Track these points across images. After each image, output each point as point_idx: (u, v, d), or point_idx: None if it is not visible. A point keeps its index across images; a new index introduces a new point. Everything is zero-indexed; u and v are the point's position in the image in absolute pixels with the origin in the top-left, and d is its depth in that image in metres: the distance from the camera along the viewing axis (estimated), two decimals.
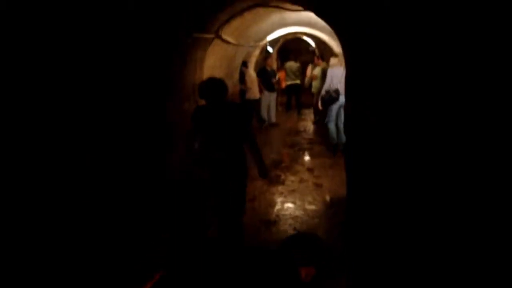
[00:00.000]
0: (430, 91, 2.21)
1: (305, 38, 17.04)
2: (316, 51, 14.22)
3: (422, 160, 2.34)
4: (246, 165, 4.03)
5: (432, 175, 2.22)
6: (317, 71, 10.55)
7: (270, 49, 13.76)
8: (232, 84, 9.10)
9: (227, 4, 4.64)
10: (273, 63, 12.89)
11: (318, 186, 6.42)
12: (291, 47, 18.89)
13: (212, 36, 5.31)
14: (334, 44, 9.57)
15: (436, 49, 2.08)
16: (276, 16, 7.10)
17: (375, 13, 2.96)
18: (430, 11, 2.07)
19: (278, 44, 17.03)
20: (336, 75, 7.93)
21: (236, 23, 5.97)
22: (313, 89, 10.93)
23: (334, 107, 8.00)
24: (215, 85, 3.75)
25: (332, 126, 8.19)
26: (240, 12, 5.50)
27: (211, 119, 3.81)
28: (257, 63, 12.35)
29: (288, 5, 5.54)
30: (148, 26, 3.46)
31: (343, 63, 8.18)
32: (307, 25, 9.38)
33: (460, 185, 1.94)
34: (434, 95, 2.16)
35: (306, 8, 5.22)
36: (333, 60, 8.37)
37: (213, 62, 6.55)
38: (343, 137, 7.45)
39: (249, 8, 5.45)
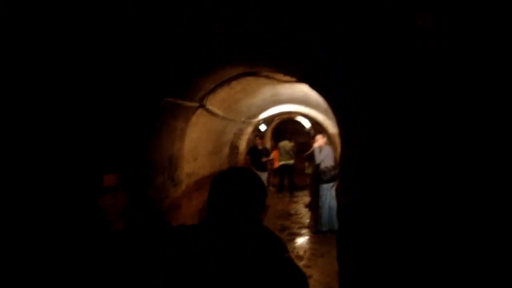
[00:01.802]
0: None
1: (300, 119, 16.87)
2: (312, 131, 13.88)
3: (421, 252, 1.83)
4: None
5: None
6: None
7: (263, 127, 13.43)
8: (220, 160, 8.56)
9: (211, 69, 4.17)
10: (265, 142, 12.66)
11: (307, 277, 5.64)
12: (288, 127, 18.79)
13: (195, 104, 4.81)
14: (329, 124, 9.20)
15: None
16: (268, 90, 6.70)
17: (377, 88, 2.49)
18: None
19: (273, 124, 16.83)
20: (328, 153, 7.92)
21: (223, 93, 5.52)
22: (307, 170, 10.47)
23: (326, 187, 7.64)
24: (238, 179, 1.64)
25: (325, 209, 7.77)
26: (228, 81, 5.06)
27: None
28: (249, 141, 11.98)
29: (280, 76, 5.11)
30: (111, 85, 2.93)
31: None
32: (302, 103, 9.04)
33: None
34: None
35: (300, 79, 4.78)
36: (324, 139, 8.34)
37: (198, 135, 6.03)
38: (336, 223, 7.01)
39: (238, 77, 5.01)
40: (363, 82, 2.79)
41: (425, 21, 1.66)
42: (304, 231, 8.49)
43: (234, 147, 10.04)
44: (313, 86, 4.51)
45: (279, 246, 1.47)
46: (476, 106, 1.46)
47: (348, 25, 2.43)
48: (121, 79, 2.89)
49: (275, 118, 14.94)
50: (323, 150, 7.99)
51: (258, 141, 11.47)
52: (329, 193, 7.70)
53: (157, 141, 4.07)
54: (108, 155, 2.99)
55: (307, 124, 16.95)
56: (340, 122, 4.44)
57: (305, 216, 9.85)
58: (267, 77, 5.19)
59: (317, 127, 12.72)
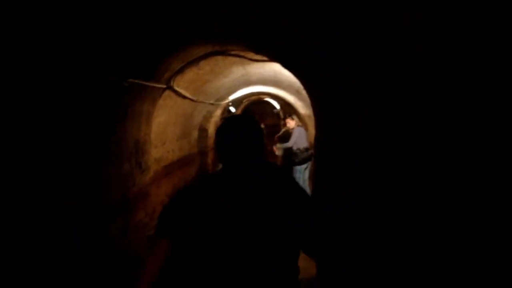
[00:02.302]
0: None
1: (270, 100, 16.67)
2: (281, 113, 13.73)
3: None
4: None
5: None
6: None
7: (232, 109, 13.16)
8: (189, 144, 8.29)
9: (177, 49, 3.89)
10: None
11: None
12: (256, 110, 18.57)
13: (162, 86, 4.52)
14: (300, 105, 9.02)
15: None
16: (238, 70, 6.44)
17: (357, 65, 2.28)
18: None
19: (242, 106, 16.58)
20: (301, 134, 7.70)
21: (191, 74, 5.24)
22: (277, 152, 10.29)
23: (299, 169, 7.47)
24: (250, 126, 1.77)
25: None
26: (196, 61, 4.77)
27: (227, 221, 1.59)
28: (217, 124, 11.71)
29: (251, 54, 4.85)
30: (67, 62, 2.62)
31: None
32: (272, 84, 8.82)
33: None
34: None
35: (272, 58, 4.54)
36: (295, 120, 8.14)
37: (166, 119, 5.73)
38: None
39: (206, 56, 4.73)
40: (343, 58, 2.58)
41: (412, 20, 1.60)
42: None
43: (203, 130, 9.76)
44: (286, 66, 4.29)
45: (288, 175, 1.92)
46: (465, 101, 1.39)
47: None
48: (69, 57, 2.59)
49: (244, 100, 14.68)
50: (295, 132, 7.77)
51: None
52: (301, 175, 7.54)
53: (122, 126, 3.78)
54: (58, 148, 2.69)
55: (276, 105, 16.78)
56: (315, 105, 4.25)
57: None
58: (237, 56, 4.93)
59: (288, 108, 12.56)
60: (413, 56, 1.62)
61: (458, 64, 1.37)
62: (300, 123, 8.31)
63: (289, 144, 7.71)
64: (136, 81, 3.41)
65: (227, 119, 1.84)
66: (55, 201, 2.58)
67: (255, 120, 1.83)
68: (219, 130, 1.77)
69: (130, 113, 3.94)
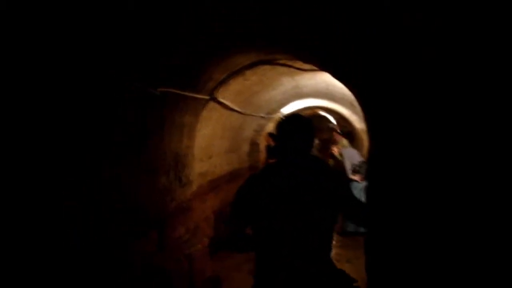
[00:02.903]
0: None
1: (325, 114, 16.30)
2: (337, 127, 13.29)
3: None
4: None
5: None
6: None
7: None
8: (239, 158, 8.07)
9: (218, 55, 3.67)
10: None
11: None
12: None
13: (204, 97, 4.32)
14: (355, 119, 8.64)
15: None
16: (288, 82, 6.18)
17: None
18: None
19: None
20: (350, 153, 7.68)
21: (237, 85, 5.02)
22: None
23: (358, 187, 7.06)
24: (301, 124, 2.22)
25: None
26: (241, 71, 4.55)
27: (283, 191, 2.12)
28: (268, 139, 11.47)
29: (300, 64, 4.57)
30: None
31: None
32: (325, 97, 8.50)
33: None
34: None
35: (321, 67, 4.24)
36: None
37: (212, 132, 5.54)
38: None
39: (252, 66, 4.50)
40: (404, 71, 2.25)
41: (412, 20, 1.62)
42: None
43: (254, 145, 9.51)
44: (336, 76, 3.97)
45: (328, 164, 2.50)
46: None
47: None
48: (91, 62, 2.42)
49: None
50: (345, 153, 7.60)
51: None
52: (357, 192, 7.13)
53: (157, 138, 3.60)
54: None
55: (332, 119, 16.40)
56: (367, 115, 3.90)
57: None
58: (285, 65, 4.67)
59: (343, 122, 12.15)
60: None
61: (458, 64, 1.37)
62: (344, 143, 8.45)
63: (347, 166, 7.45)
64: (170, 90, 3.20)
65: (288, 117, 2.29)
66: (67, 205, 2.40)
67: (309, 121, 2.27)
68: (283, 123, 2.24)
69: (168, 125, 3.76)
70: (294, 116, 2.29)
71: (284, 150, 2.19)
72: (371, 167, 3.86)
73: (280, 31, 3.07)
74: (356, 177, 7.22)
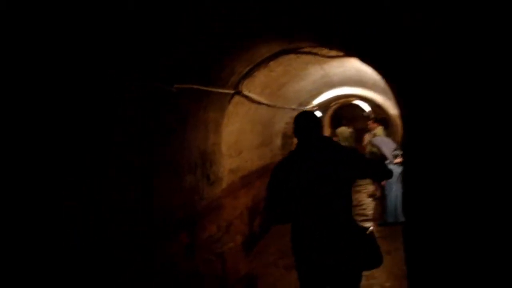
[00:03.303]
0: None
1: (359, 103, 15.96)
2: (372, 115, 12.94)
3: None
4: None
5: None
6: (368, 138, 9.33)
7: (318, 114, 12.67)
8: (271, 152, 7.94)
9: (241, 47, 3.54)
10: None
11: (369, 278, 4.93)
12: (345, 113, 17.95)
13: (228, 91, 4.20)
14: (390, 106, 8.34)
15: None
16: (316, 71, 5.99)
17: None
18: None
19: (330, 110, 16.02)
20: (385, 142, 7.43)
21: (262, 77, 4.88)
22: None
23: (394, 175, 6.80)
24: (306, 117, 2.91)
25: (391, 199, 7.08)
26: (265, 62, 4.40)
27: (301, 170, 2.73)
28: None
29: (325, 51, 4.39)
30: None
31: None
32: (356, 85, 8.25)
33: None
34: None
35: (347, 52, 4.05)
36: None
37: (240, 127, 5.42)
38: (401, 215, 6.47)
39: (275, 56, 4.34)
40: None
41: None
42: (368, 224, 7.69)
43: (287, 137, 9.33)
44: (364, 59, 3.77)
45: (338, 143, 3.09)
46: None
47: None
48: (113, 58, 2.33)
49: (331, 104, 14.11)
50: (379, 142, 7.42)
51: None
52: (395, 180, 6.89)
53: (181, 135, 3.50)
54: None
55: (366, 107, 16.04)
56: (401, 104, 3.68)
57: (369, 207, 9.04)
58: (310, 53, 4.49)
59: (378, 110, 11.85)
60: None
61: (458, 63, 1.39)
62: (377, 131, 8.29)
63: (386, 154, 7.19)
64: (187, 86, 3.09)
65: (300, 113, 2.97)
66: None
67: (313, 114, 2.98)
68: (295, 119, 2.89)
69: (191, 122, 3.67)
70: (303, 112, 3.02)
71: (299, 139, 2.86)
72: (407, 154, 3.66)
73: (304, 16, 2.92)
74: (398, 160, 6.97)
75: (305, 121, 2.84)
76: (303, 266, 2.84)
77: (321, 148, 2.79)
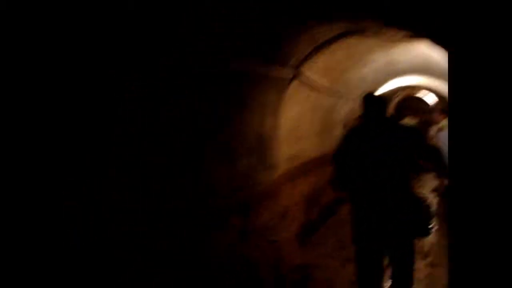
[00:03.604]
0: None
1: (423, 95, 15.36)
2: (438, 106, 12.33)
3: None
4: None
5: None
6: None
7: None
8: (331, 141, 7.71)
9: (301, 25, 3.38)
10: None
11: (432, 277, 4.65)
12: (410, 105, 17.50)
13: (287, 75, 4.05)
14: None
15: None
16: (379, 57, 5.71)
17: None
18: None
19: (394, 102, 15.50)
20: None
21: (324, 61, 4.68)
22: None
23: None
24: (372, 97, 3.18)
25: None
26: (326, 45, 4.21)
27: (365, 147, 3.05)
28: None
29: (392, 32, 4.12)
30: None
31: None
32: (423, 73, 7.83)
33: None
34: None
35: (417, 33, 3.77)
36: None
37: (299, 112, 5.26)
38: None
39: (338, 37, 4.13)
40: None
41: None
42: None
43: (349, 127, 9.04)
44: (439, 41, 3.45)
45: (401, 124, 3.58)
46: None
47: None
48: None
49: (394, 96, 13.59)
50: (441, 137, 6.93)
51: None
52: None
53: (237, 120, 3.40)
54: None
55: (430, 100, 15.42)
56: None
57: (432, 202, 8.60)
58: (375, 36, 4.24)
59: (444, 102, 11.27)
60: None
61: None
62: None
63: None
64: (243, 67, 2.97)
65: (366, 94, 3.18)
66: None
67: (379, 97, 3.26)
68: (363, 98, 3.13)
69: (248, 104, 3.56)
70: (368, 94, 3.22)
71: (365, 118, 3.14)
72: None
73: None
74: None
75: (371, 100, 3.11)
76: (363, 236, 3.10)
77: (385, 128, 3.06)
